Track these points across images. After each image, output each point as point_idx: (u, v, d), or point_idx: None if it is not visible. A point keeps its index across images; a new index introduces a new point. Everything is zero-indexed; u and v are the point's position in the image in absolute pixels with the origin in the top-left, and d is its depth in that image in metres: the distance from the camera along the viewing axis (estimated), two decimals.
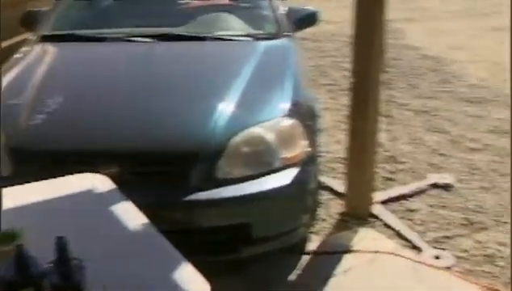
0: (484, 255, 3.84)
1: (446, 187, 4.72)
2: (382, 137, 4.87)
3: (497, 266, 3.73)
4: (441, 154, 5.39)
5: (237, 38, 4.41)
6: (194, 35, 4.40)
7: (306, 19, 5.01)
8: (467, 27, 11.40)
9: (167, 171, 3.06)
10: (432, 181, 4.78)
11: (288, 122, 3.32)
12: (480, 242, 4.00)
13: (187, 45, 4.32)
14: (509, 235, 4.08)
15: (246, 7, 4.96)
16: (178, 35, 4.40)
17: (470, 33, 10.92)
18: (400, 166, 5.08)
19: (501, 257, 3.82)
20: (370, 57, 3.93)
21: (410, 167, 5.08)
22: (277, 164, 3.15)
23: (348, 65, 4.09)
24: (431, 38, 10.29)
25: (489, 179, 4.93)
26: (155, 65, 4.03)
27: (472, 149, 5.54)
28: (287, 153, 3.20)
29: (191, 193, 2.98)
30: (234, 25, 4.69)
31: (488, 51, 9.63)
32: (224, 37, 4.42)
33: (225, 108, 3.30)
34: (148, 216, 2.11)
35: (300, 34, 5.01)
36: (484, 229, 4.16)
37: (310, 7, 5.18)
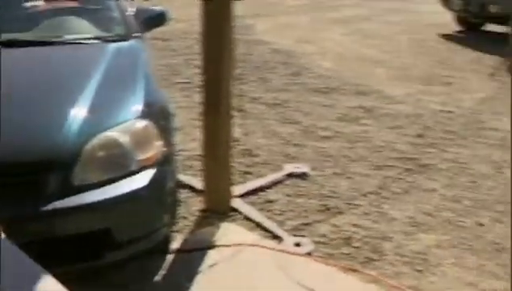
0: (342, 238, 4.01)
1: (301, 176, 4.87)
2: (237, 131, 4.96)
3: (353, 247, 3.91)
4: (295, 145, 5.56)
5: (85, 41, 4.33)
6: (42, 40, 4.27)
7: (155, 19, 5.00)
8: (313, 21, 11.81)
9: (22, 182, 2.96)
10: (288, 171, 4.92)
11: (142, 123, 3.30)
12: (336, 226, 4.16)
13: (36, 51, 4.19)
14: (363, 217, 4.29)
15: (94, 9, 4.88)
16: (26, 40, 4.26)
17: (315, 26, 11.32)
18: (257, 159, 5.19)
19: (357, 238, 4.01)
20: (220, 54, 3.99)
21: (266, 159, 5.20)
22: (133, 166, 3.13)
23: (200, 63, 4.12)
24: (280, 32, 10.57)
25: (341, 164, 5.15)
26: (2, 72, 3.87)
27: (324, 138, 5.75)
28: (143, 155, 3.18)
29: (49, 202, 2.91)
30: (82, 28, 4.59)
31: (332, 42, 10.04)
32: (72, 41, 4.32)
33: (77, 114, 3.23)
34: (4, 230, 2.05)
35: (150, 34, 5.01)
36: (340, 213, 4.34)
37: (159, 7, 5.17)
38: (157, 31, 5.22)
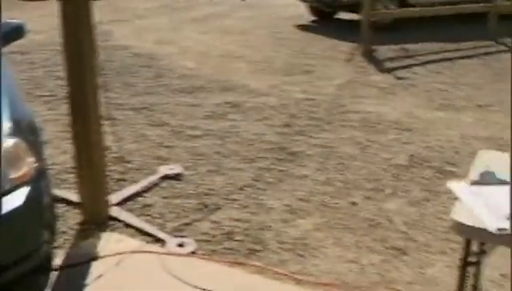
0: (223, 234, 4.09)
1: (176, 177, 4.91)
2: (107, 139, 4.90)
3: (236, 241, 4.01)
4: (166, 146, 5.58)
5: None
6: None
7: (12, 33, 4.83)
8: (171, 22, 11.81)
9: None
10: (162, 173, 4.94)
11: (11, 141, 3.22)
12: (216, 222, 4.24)
13: None
14: (241, 210, 4.39)
15: None
16: None
17: (174, 27, 11.33)
18: (130, 165, 5.17)
19: (238, 232, 4.10)
20: (82, 62, 3.94)
21: (139, 164, 5.19)
22: (7, 186, 3.05)
23: (62, 74, 4.06)
24: (139, 36, 10.49)
25: (214, 161, 5.22)
26: None
27: (194, 137, 5.81)
28: (16, 173, 3.10)
29: None
30: None
31: (193, 42, 10.08)
32: None
33: None
34: None
35: (7, 48, 4.85)
36: (218, 209, 4.42)
37: (15, 20, 5.00)
38: (16, 44, 5.07)
